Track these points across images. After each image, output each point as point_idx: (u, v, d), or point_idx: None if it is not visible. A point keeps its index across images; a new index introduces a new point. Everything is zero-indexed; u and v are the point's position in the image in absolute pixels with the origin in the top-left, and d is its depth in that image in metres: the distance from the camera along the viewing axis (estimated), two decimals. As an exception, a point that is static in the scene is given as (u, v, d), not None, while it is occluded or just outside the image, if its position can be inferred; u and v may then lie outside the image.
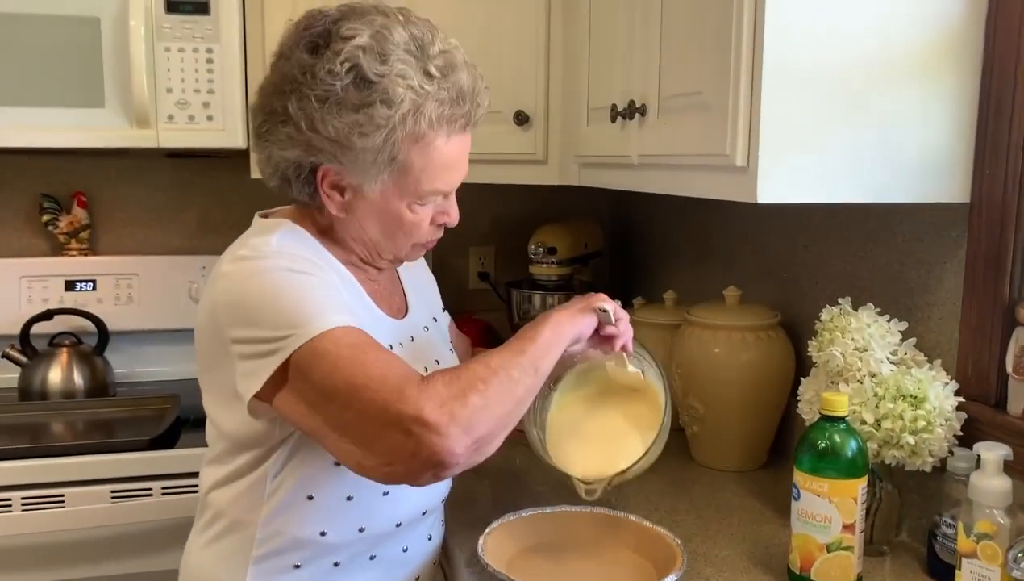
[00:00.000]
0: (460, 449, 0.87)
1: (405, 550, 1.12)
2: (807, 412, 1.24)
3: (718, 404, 1.47)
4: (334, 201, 1.03)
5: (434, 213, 1.08)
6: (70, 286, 2.06)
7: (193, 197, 2.17)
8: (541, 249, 2.03)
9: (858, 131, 1.05)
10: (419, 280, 1.26)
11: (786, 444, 1.52)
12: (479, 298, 2.31)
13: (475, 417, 0.88)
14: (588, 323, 1.04)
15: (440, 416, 0.85)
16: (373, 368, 0.89)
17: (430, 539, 1.17)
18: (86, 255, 2.10)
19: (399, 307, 1.17)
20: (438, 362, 1.16)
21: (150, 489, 1.65)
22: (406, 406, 0.86)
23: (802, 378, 1.27)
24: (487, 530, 1.15)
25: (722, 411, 1.47)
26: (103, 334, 2.01)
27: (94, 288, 2.07)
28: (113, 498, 1.64)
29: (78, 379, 1.93)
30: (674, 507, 1.35)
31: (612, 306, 1.06)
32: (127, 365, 2.07)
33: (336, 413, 0.90)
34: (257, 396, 0.94)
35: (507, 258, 2.36)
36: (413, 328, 1.16)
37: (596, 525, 1.18)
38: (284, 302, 0.93)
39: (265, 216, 1.11)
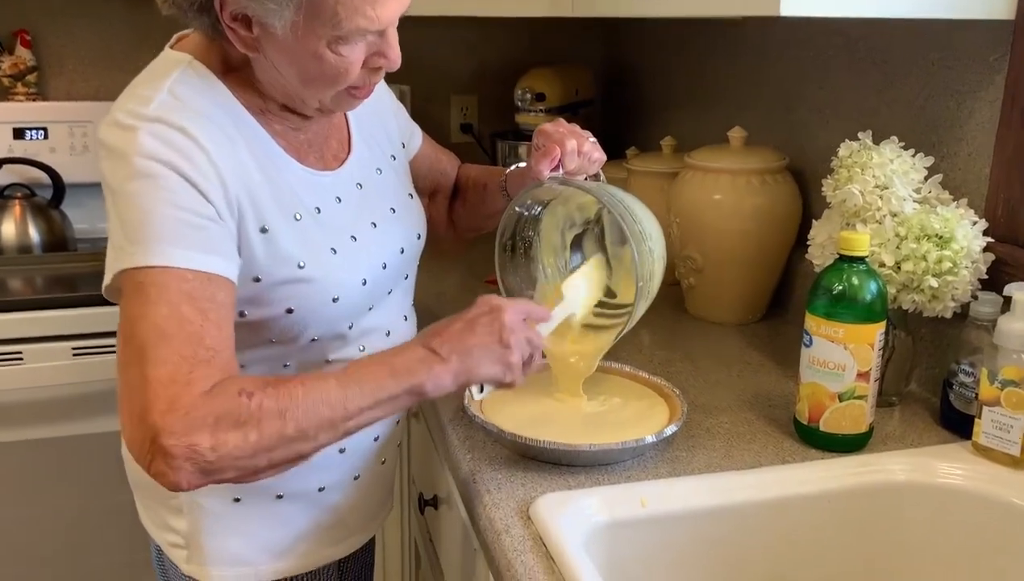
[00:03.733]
0: (187, 485, 0.75)
1: None
2: (818, 257, 1.14)
3: (718, 254, 1.38)
4: (240, 36, 0.84)
5: (367, 55, 0.86)
6: (19, 134, 1.90)
7: (151, 37, 1.96)
8: (528, 95, 1.89)
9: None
10: (371, 114, 1.05)
11: (787, 296, 1.44)
12: (462, 152, 2.14)
13: (222, 462, 0.75)
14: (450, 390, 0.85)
15: (176, 447, 0.73)
16: (173, 347, 0.76)
17: None
18: (34, 100, 1.94)
19: (336, 154, 0.99)
20: (393, 210, 1.02)
21: (113, 346, 1.55)
22: (159, 419, 0.74)
23: (814, 220, 1.17)
24: (473, 381, 1.07)
25: (722, 261, 1.38)
26: (58, 186, 1.87)
27: (45, 136, 1.92)
28: (75, 355, 1.55)
29: (33, 233, 1.81)
30: (668, 359, 1.27)
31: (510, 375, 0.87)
32: (87, 220, 1.94)
33: (123, 358, 0.78)
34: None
35: (491, 107, 2.21)
36: (357, 176, 0.99)
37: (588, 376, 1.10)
38: (136, 209, 0.79)
39: (183, 38, 0.93)
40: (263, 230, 0.86)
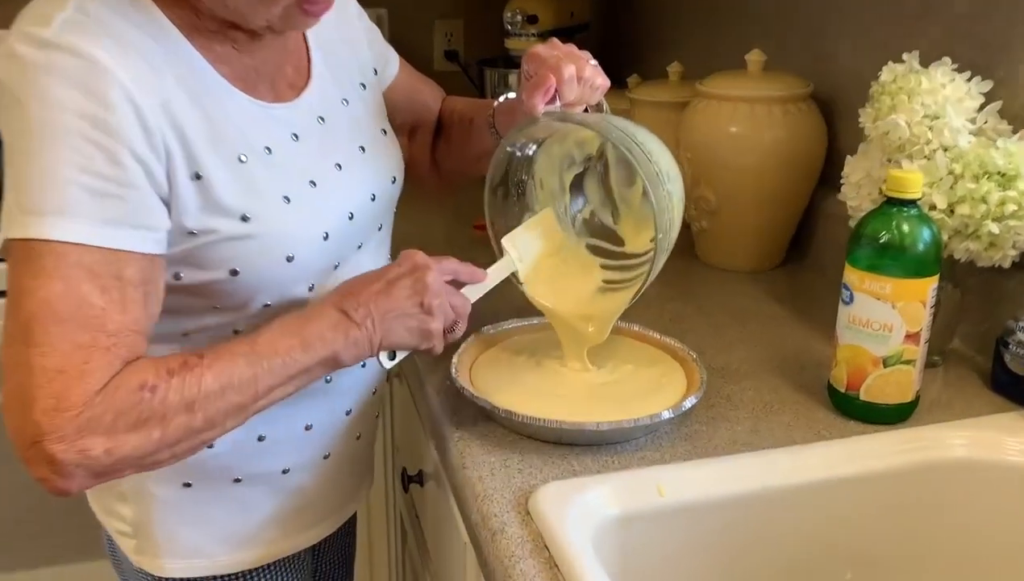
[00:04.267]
0: (76, 491, 0.66)
1: (328, 380, 0.87)
2: (853, 198, 1.00)
3: (734, 194, 1.23)
4: None
5: None
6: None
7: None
8: (519, 17, 1.71)
9: None
10: (337, 38, 0.89)
11: (807, 240, 1.30)
12: (446, 82, 1.97)
13: (119, 464, 0.65)
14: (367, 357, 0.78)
15: (65, 453, 0.62)
16: (67, 333, 0.63)
17: (363, 366, 0.91)
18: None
19: (293, 83, 0.83)
20: (363, 149, 0.87)
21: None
22: (44, 419, 0.62)
23: (848, 156, 1.02)
24: (461, 347, 0.93)
25: (738, 202, 1.23)
26: None
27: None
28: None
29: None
30: (679, 313, 1.14)
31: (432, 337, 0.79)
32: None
33: (8, 330, 0.65)
34: None
35: (478, 32, 2.04)
36: (318, 108, 0.83)
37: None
38: (34, 170, 0.64)
39: None
40: (196, 176, 0.71)
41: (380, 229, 0.91)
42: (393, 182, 0.90)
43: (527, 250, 0.89)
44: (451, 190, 1.24)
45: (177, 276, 0.74)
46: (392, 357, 0.78)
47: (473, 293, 0.82)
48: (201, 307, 0.78)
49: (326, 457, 0.92)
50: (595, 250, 0.96)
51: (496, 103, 0.96)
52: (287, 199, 0.76)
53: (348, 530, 1.08)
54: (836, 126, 1.24)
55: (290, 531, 0.92)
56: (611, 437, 0.81)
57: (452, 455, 0.82)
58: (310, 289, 0.81)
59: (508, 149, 0.89)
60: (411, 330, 0.76)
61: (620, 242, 0.95)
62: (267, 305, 0.78)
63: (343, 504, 0.98)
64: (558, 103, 0.83)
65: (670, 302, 1.17)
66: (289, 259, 0.76)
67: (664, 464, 0.79)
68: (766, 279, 1.26)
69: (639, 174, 0.80)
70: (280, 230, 0.75)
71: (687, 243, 1.34)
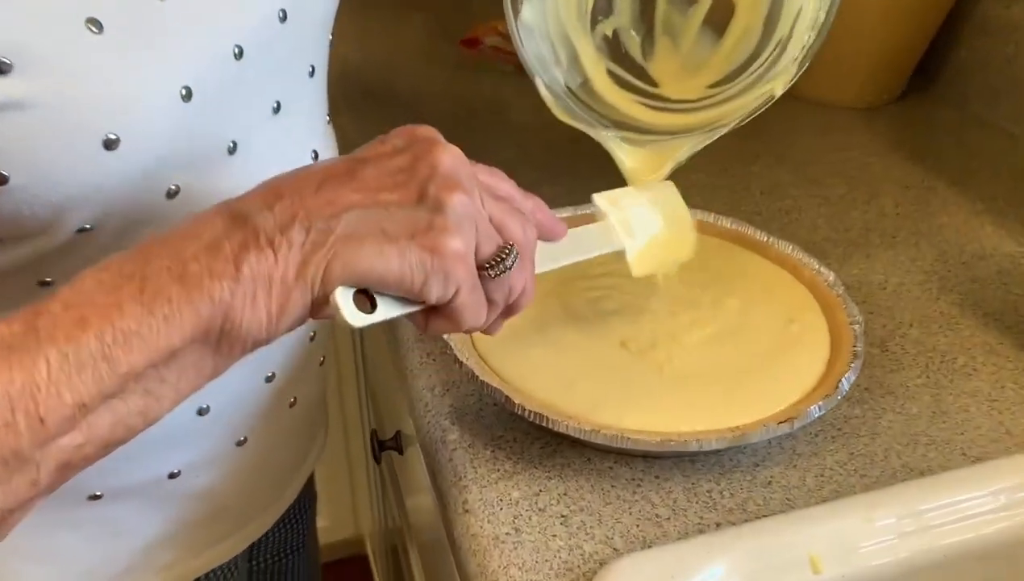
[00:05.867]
0: None
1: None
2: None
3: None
4: None
5: None
6: None
7: None
8: None
9: None
10: None
11: (935, 61, 0.92)
12: None
13: None
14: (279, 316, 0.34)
15: None
16: None
17: None
18: None
19: None
20: None
21: None
22: None
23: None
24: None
25: (856, 7, 0.84)
26: None
27: None
28: None
29: None
30: (774, 182, 0.77)
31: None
32: None
33: None
34: None
35: None
36: None
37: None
38: None
39: None
40: None
41: (313, 74, 0.52)
42: None
43: (641, 225, 0.53)
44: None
45: None
46: (370, 308, 0.35)
47: (542, 261, 0.43)
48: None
49: (241, 443, 0.58)
50: (619, 82, 0.60)
51: None
52: (96, 25, 0.37)
53: (298, 510, 0.76)
54: None
55: (197, 548, 0.61)
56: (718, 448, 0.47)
57: (447, 480, 0.48)
58: (171, 193, 0.43)
59: None
60: (396, 240, 0.33)
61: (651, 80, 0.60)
62: (85, 229, 0.41)
63: (282, 490, 0.66)
64: None
65: (756, 161, 0.80)
66: (110, 144, 0.38)
67: (808, 503, 0.46)
68: (885, 120, 0.89)
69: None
70: (86, 88, 0.37)
71: (770, 67, 0.95)
